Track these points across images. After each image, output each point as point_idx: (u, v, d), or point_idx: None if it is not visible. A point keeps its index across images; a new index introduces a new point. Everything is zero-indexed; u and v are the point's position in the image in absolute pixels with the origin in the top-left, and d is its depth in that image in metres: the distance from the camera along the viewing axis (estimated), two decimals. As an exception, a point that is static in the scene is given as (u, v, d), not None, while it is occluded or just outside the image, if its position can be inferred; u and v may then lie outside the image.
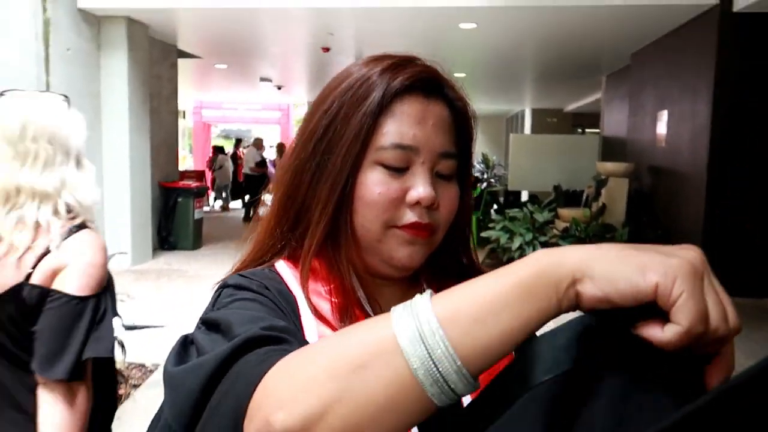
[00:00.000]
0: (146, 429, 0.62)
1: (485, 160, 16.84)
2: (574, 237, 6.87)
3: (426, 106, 0.64)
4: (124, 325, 3.13)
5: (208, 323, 0.58)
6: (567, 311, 0.38)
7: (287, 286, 0.64)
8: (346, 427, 0.38)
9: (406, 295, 0.56)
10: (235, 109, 18.09)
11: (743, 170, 5.71)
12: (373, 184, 0.62)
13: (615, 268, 0.37)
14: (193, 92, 15.60)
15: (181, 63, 8.64)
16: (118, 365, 3.39)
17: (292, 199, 0.66)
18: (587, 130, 16.93)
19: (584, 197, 8.06)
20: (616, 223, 6.94)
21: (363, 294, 0.65)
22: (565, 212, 7.53)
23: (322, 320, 0.61)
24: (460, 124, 0.68)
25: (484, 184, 14.69)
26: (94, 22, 6.44)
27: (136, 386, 3.48)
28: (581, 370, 0.36)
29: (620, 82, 9.32)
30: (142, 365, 3.75)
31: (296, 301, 0.62)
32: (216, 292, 0.63)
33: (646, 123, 7.57)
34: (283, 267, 0.67)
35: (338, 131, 0.63)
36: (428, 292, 0.41)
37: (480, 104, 17.91)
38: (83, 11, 6.20)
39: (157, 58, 7.62)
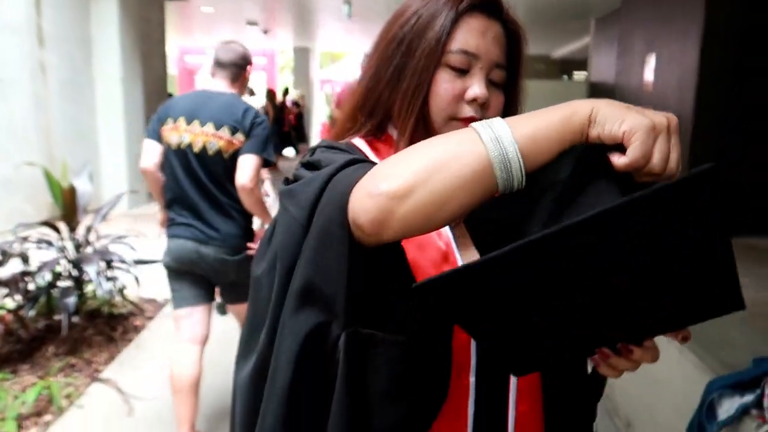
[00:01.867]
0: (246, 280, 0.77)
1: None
2: (563, 180, 7.06)
3: (488, 23, 0.78)
4: (136, 260, 3.27)
5: (306, 164, 0.72)
6: (578, 140, 0.57)
7: (366, 156, 0.79)
8: (434, 195, 0.55)
9: None
10: (220, 55, 17.72)
11: (729, 115, 5.87)
12: (443, 81, 0.77)
13: (606, 118, 0.55)
14: (176, 37, 15.27)
15: (166, 6, 8.47)
16: (134, 299, 3.57)
17: (372, 91, 0.81)
18: (576, 74, 16.94)
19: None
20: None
21: None
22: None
23: None
24: (512, 43, 0.83)
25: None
26: (81, -39, 6.29)
27: (150, 318, 3.65)
28: (581, 175, 0.56)
29: (609, 26, 9.33)
30: (154, 300, 3.91)
31: None
32: (309, 150, 0.78)
33: (634, 67, 7.66)
34: (360, 143, 0.81)
35: (416, 38, 0.77)
36: (499, 121, 0.59)
37: (468, 50, 17.68)
38: (70, -50, 6.05)
39: (144, 0, 7.47)
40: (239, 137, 2.27)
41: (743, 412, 1.52)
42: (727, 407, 1.57)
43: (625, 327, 0.59)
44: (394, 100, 0.78)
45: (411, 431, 0.66)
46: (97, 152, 6.72)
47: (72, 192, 3.13)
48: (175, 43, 16.58)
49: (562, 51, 15.44)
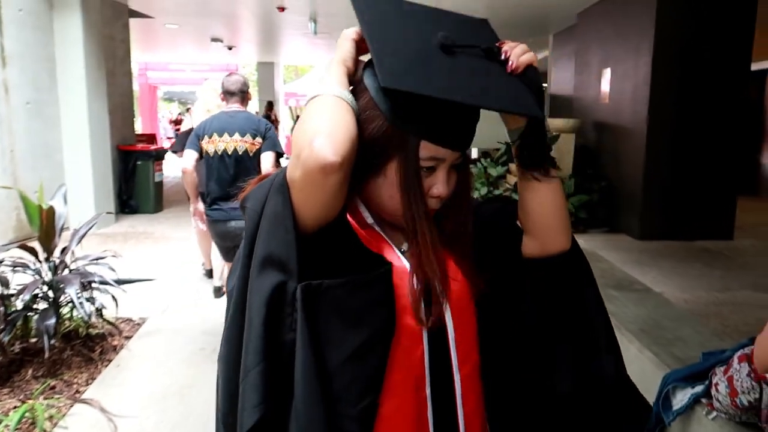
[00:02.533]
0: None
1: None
2: (526, 190, 7.30)
3: None
4: (114, 280, 3.31)
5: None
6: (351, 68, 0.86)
7: None
8: (339, 124, 0.76)
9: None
10: (183, 71, 17.63)
11: (680, 124, 6.20)
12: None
13: (343, 49, 0.86)
14: (138, 54, 15.13)
15: (131, 23, 8.45)
16: (111, 319, 3.58)
17: None
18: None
19: (534, 152, 8.48)
20: (562, 176, 7.41)
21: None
22: (516, 167, 7.94)
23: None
24: None
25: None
26: (45, -19, 6.26)
27: (128, 338, 3.67)
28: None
29: (567, 41, 9.70)
30: (130, 319, 3.93)
31: None
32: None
33: (591, 80, 7.99)
34: None
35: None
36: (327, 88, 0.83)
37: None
38: (33, -30, 6.02)
39: (108, 18, 7.45)
40: (258, 140, 3.40)
41: (694, 401, 1.69)
42: (681, 397, 1.73)
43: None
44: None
45: (367, 362, 0.82)
46: (63, 171, 6.65)
47: (51, 214, 3.15)
48: (135, 58, 16.40)
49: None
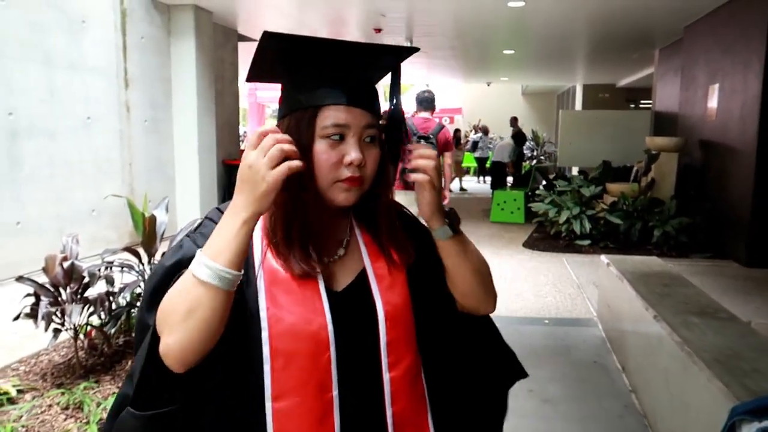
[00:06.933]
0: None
1: (535, 137, 16.81)
2: (622, 211, 6.99)
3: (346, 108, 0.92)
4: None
5: (185, 238, 0.99)
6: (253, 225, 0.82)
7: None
8: (192, 340, 0.80)
9: (341, 220, 0.95)
10: (288, 90, 18.54)
11: (795, 143, 5.71)
12: (321, 152, 0.87)
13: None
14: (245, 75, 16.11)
15: (239, 46, 9.08)
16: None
17: None
18: (642, 103, 16.63)
19: (633, 172, 8.12)
20: (664, 198, 7.02)
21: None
22: (613, 187, 7.63)
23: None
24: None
25: (534, 161, 14.71)
26: (165, 11, 6.92)
27: (217, 338, 3.94)
28: None
29: (673, 56, 9.23)
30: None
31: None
32: (205, 217, 1.00)
33: (697, 97, 7.55)
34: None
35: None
36: (199, 251, 0.81)
37: (530, 81, 17.75)
38: (155, 1, 6.68)
39: (219, 42, 8.07)
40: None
41: (759, 436, 1.58)
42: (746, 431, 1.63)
43: None
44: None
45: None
46: (174, 182, 7.25)
47: (153, 221, 3.48)
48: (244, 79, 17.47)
49: (627, 80, 15.25)
